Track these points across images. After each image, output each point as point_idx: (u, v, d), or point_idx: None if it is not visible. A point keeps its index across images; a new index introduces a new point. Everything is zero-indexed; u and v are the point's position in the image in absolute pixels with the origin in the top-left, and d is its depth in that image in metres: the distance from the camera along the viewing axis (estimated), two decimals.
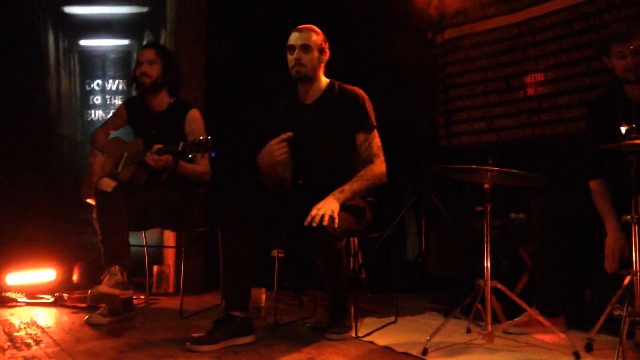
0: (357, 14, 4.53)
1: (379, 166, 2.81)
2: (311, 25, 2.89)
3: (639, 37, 2.71)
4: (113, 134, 3.60)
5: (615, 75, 2.84)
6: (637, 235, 2.32)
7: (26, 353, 2.42)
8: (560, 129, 3.91)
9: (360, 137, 2.84)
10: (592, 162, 2.89)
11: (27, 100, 4.36)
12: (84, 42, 4.69)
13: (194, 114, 3.41)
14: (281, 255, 3.34)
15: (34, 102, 4.41)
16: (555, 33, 3.95)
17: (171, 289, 4.06)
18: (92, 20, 4.66)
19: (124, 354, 2.42)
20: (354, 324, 2.83)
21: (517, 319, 2.74)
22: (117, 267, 2.95)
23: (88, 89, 4.69)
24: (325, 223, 2.49)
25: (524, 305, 2.60)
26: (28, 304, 3.50)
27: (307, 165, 2.95)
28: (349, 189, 2.69)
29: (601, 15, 3.71)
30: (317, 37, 2.86)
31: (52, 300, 3.55)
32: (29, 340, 2.63)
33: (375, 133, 2.86)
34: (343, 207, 2.64)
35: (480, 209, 2.61)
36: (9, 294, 3.53)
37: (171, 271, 4.10)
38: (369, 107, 2.88)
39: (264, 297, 3.28)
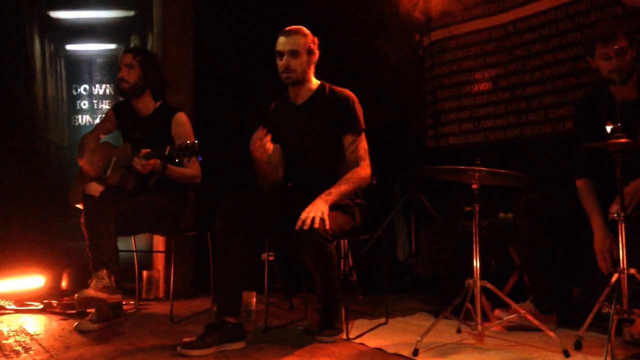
0: (343, 15, 4.53)
1: (365, 169, 2.82)
2: (298, 27, 2.87)
3: (623, 38, 2.72)
4: (103, 138, 3.59)
5: (600, 75, 2.85)
6: (623, 233, 2.34)
7: None
8: (547, 128, 3.93)
9: (348, 139, 2.84)
10: (578, 161, 2.91)
11: (13, 105, 4.33)
12: (70, 47, 4.66)
13: (180, 118, 3.39)
14: (271, 259, 3.34)
15: (20, 108, 4.38)
16: (541, 33, 3.97)
17: (161, 294, 4.05)
18: (78, 25, 4.63)
19: (113, 359, 2.41)
20: (344, 326, 2.84)
21: (506, 317, 2.77)
22: (105, 271, 2.94)
23: (75, 93, 4.66)
24: (316, 225, 2.50)
25: (513, 304, 2.62)
26: (16, 311, 3.47)
27: (297, 166, 2.96)
28: (335, 191, 2.69)
29: (586, 15, 3.74)
30: (304, 39, 2.84)
31: (40, 306, 3.52)
32: (18, 348, 2.61)
33: (363, 136, 2.86)
34: (332, 208, 2.64)
35: (469, 209, 2.62)
36: None
37: (161, 276, 4.08)
38: (359, 109, 2.88)
39: (254, 300, 3.28)
